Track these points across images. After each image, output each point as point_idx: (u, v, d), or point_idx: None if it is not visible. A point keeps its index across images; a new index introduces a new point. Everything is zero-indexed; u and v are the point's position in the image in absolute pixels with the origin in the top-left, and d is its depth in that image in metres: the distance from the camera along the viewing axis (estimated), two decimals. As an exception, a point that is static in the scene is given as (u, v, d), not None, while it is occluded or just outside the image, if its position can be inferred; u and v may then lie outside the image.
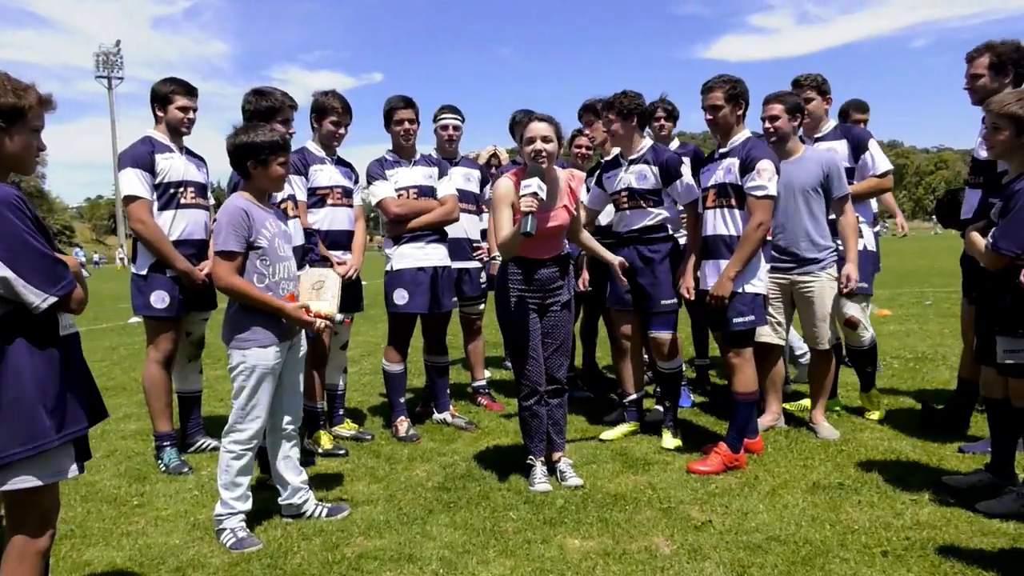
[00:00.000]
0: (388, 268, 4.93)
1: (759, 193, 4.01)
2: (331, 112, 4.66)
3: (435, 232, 4.95)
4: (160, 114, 4.45)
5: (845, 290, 4.53)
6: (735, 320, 4.10)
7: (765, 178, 4.00)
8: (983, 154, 4.07)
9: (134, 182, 4.27)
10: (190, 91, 4.50)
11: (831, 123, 4.99)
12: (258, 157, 3.32)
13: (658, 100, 5.37)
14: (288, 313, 3.35)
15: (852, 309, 4.90)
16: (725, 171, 4.15)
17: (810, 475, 3.94)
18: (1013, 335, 3.25)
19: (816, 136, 4.95)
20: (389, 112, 4.93)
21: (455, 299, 5.24)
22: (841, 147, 4.86)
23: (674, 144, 5.59)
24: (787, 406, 5.06)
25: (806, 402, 5.08)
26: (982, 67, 4.21)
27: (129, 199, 4.30)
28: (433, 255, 4.91)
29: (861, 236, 4.85)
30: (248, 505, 3.40)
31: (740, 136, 4.20)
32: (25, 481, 2.17)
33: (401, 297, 4.84)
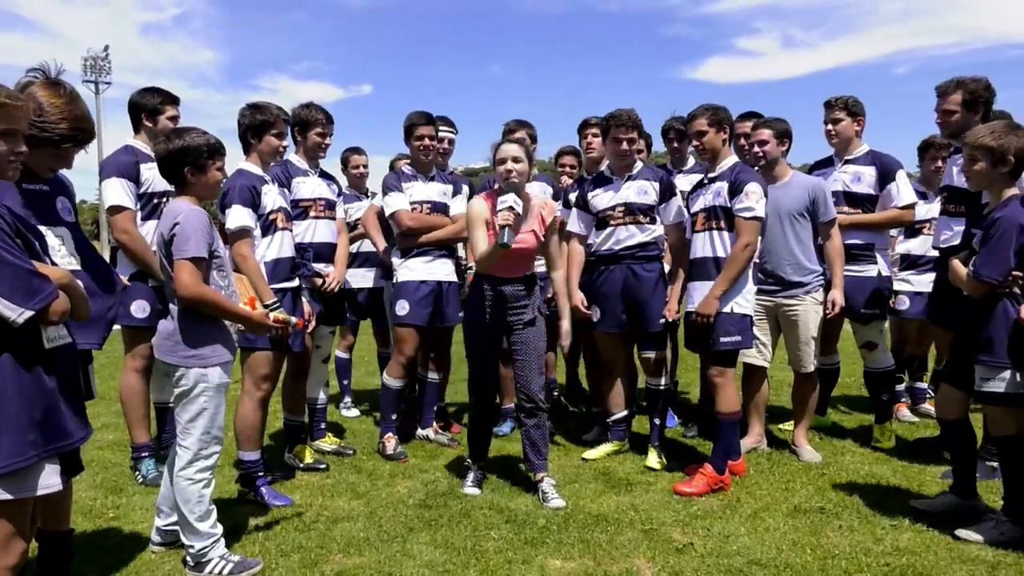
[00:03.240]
0: (394, 280, 4.94)
1: (747, 215, 4.07)
2: (316, 124, 4.66)
3: (443, 248, 4.95)
4: (149, 124, 4.41)
5: (830, 315, 4.57)
6: (722, 339, 4.13)
7: (753, 200, 4.06)
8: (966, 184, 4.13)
9: (119, 192, 4.23)
10: (174, 100, 4.51)
11: (864, 147, 4.94)
12: (196, 162, 3.10)
13: (672, 119, 5.40)
14: (257, 321, 3.24)
15: (871, 334, 4.92)
16: (714, 195, 4.21)
17: (792, 498, 3.94)
18: (992, 363, 3.30)
19: (847, 159, 4.93)
20: (409, 127, 4.91)
21: (461, 314, 5.16)
22: (869, 173, 4.84)
23: (690, 162, 5.59)
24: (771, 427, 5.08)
25: (789, 424, 5.11)
26: (955, 103, 4.27)
27: (114, 209, 4.25)
28: (439, 270, 4.88)
29: (875, 262, 4.85)
30: (221, 527, 3.22)
31: (728, 161, 4.27)
32: (-4, 494, 2.13)
33: (402, 308, 4.80)
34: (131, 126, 4.50)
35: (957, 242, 4.20)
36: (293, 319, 3.58)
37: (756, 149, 4.63)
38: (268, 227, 4.13)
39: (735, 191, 4.11)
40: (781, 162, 4.66)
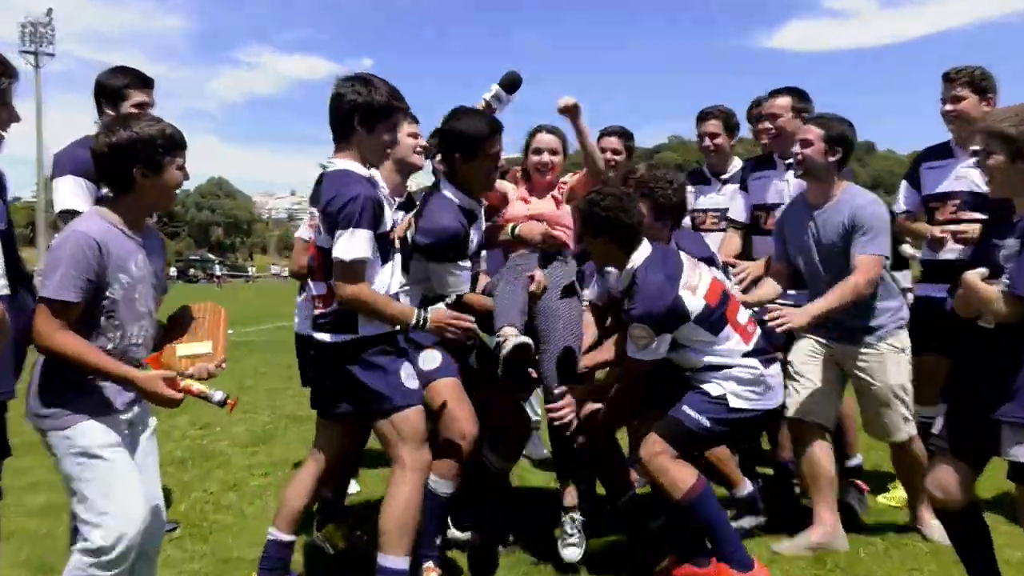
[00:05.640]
0: None
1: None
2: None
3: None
4: (110, 112, 3.75)
5: (772, 325, 3.37)
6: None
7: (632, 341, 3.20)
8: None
9: (74, 193, 3.55)
10: (146, 83, 3.85)
11: None
12: (150, 160, 2.44)
13: (715, 109, 4.60)
14: (139, 385, 2.41)
15: None
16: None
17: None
18: None
19: (973, 149, 3.76)
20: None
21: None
22: None
23: (735, 164, 4.64)
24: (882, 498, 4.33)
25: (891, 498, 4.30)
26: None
27: (67, 214, 3.50)
28: None
29: None
30: None
31: (636, 258, 3.27)
32: None
33: (432, 360, 3.46)
34: (95, 111, 3.81)
35: None
36: (217, 395, 2.49)
37: (796, 148, 3.62)
38: (387, 250, 3.03)
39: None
40: (829, 176, 3.58)
